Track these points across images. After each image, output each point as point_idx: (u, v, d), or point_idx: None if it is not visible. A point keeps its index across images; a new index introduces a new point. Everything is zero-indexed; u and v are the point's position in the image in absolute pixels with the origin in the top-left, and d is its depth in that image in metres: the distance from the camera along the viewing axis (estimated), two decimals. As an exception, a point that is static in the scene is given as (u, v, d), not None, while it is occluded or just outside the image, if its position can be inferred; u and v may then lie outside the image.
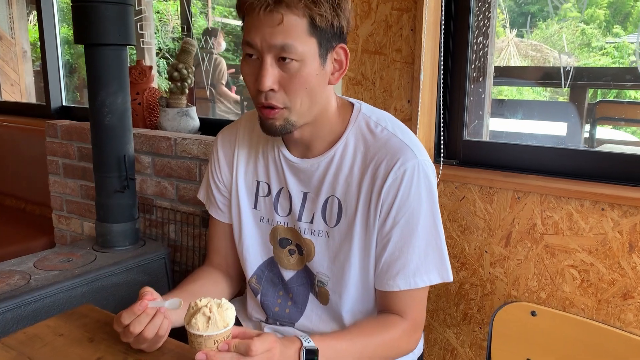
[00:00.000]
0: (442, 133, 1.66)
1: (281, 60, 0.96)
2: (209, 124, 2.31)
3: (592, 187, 1.41)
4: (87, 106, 1.76)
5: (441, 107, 1.65)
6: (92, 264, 1.69)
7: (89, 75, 1.72)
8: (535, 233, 1.49)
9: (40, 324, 1.12)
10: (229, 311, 0.89)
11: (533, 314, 1.14)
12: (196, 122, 2.25)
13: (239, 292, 1.37)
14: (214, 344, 0.87)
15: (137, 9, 2.84)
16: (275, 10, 0.93)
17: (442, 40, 1.60)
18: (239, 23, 1.02)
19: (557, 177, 1.49)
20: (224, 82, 4.07)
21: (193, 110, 2.24)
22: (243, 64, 1.02)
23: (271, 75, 0.97)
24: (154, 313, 0.95)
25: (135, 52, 3.26)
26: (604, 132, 3.32)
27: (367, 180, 1.08)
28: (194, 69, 2.25)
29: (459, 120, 1.69)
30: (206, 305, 0.88)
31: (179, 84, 2.19)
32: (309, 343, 0.94)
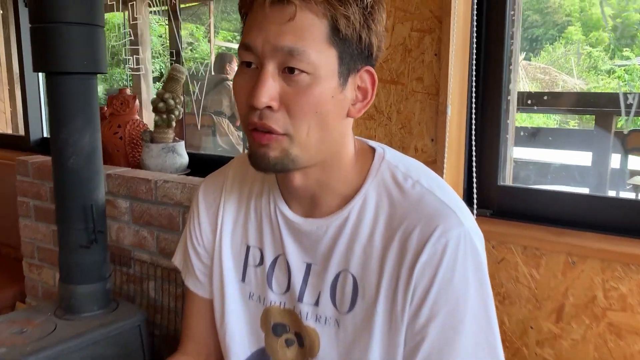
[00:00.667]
0: (474, 177, 1.37)
1: (287, 71, 0.70)
2: (200, 161, 2.04)
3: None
4: None
5: (472, 146, 1.36)
6: (50, 336, 1.40)
7: (51, 109, 1.44)
8: (595, 308, 1.19)
9: None
10: None
11: None
12: (184, 160, 1.97)
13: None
14: None
15: (125, 30, 2.60)
16: (287, 1, 0.68)
17: (474, 67, 1.32)
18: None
19: (624, 236, 1.19)
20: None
21: (181, 146, 1.96)
22: (237, 76, 0.76)
23: (270, 88, 0.71)
24: None
25: (131, 78, 3.03)
26: (636, 162, 3.05)
27: (393, 252, 0.78)
28: (182, 98, 1.98)
29: (493, 161, 1.40)
30: None
31: (164, 116, 1.92)
32: None
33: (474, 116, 1.34)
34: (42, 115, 2.71)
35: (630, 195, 2.97)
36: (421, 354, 0.76)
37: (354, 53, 0.73)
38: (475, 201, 1.38)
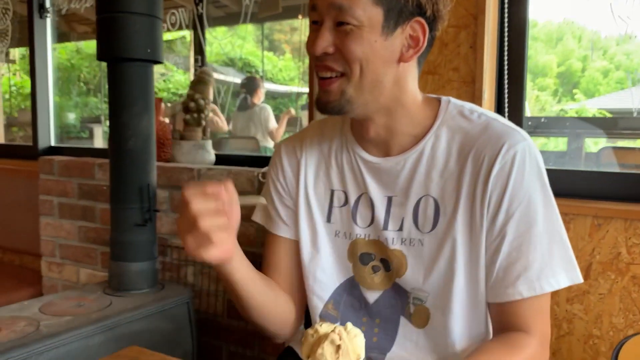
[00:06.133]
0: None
1: (339, 25, 0.88)
2: (225, 159, 2.14)
3: (686, 209, 1.29)
4: (78, 146, 1.60)
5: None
6: (108, 309, 1.45)
7: (112, 94, 1.54)
8: (620, 263, 1.35)
9: (81, 370, 0.90)
10: (358, 339, 0.70)
11: (671, 345, 0.98)
12: (212, 156, 2.07)
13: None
14: None
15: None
16: None
17: (506, 57, 1.50)
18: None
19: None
20: (270, 125, 3.95)
21: (209, 144, 2.07)
22: (309, 34, 0.93)
23: (326, 39, 0.88)
24: (223, 211, 0.79)
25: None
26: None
27: (468, 172, 0.92)
28: (211, 99, 2.09)
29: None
30: (334, 331, 0.69)
31: (195, 115, 2.03)
32: None
33: (506, 102, 1.51)
34: (51, 125, 2.75)
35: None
36: (503, 252, 0.90)
37: (401, 9, 0.88)
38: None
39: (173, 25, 2.26)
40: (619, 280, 1.35)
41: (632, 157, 2.87)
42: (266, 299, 1.01)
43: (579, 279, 0.91)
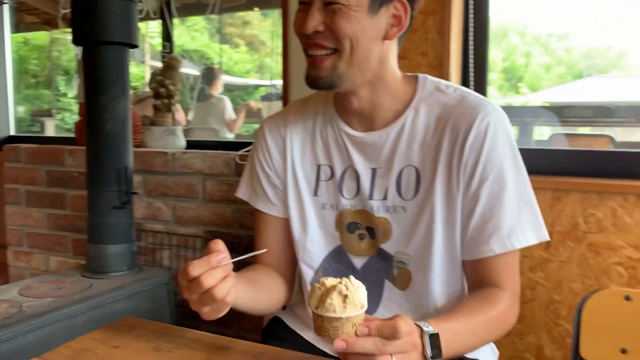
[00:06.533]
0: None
1: (327, 4, 0.93)
2: (195, 144, 2.16)
3: (636, 181, 1.41)
4: (39, 135, 1.60)
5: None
6: (89, 290, 1.47)
7: (88, 77, 1.54)
8: (577, 232, 1.46)
9: (83, 338, 0.92)
10: (361, 290, 0.76)
11: (627, 298, 1.08)
12: (183, 142, 2.09)
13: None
14: (352, 327, 0.73)
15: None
16: None
17: (471, 42, 1.59)
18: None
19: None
20: (227, 117, 3.93)
21: (179, 129, 2.08)
22: (297, 13, 0.99)
23: (316, 18, 0.93)
24: (228, 270, 0.81)
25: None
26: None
27: (446, 141, 1.00)
28: (180, 86, 2.11)
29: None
30: (341, 283, 0.74)
31: (165, 101, 2.04)
32: (428, 328, 0.82)
33: (472, 86, 1.60)
34: (10, 114, 2.69)
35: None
36: (477, 213, 0.98)
37: None
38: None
39: (140, 12, 2.25)
40: (576, 249, 1.46)
41: (583, 143, 3.05)
42: (264, 301, 1.07)
43: (545, 236, 1.00)
